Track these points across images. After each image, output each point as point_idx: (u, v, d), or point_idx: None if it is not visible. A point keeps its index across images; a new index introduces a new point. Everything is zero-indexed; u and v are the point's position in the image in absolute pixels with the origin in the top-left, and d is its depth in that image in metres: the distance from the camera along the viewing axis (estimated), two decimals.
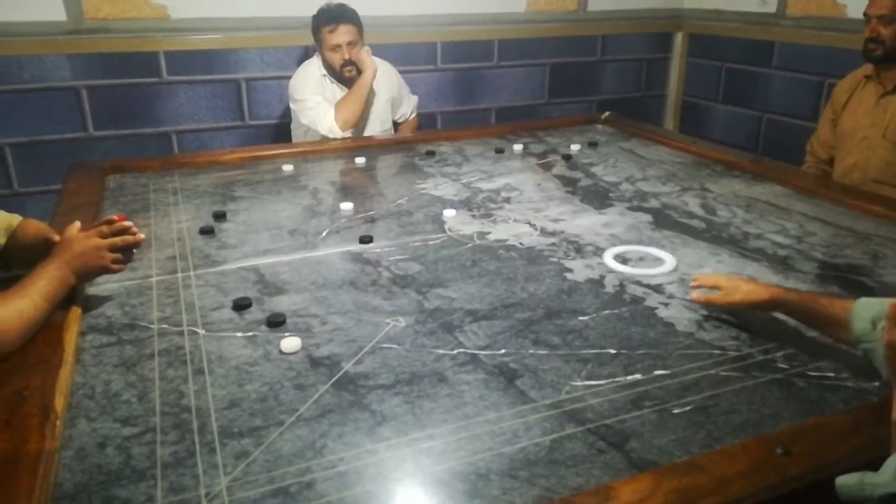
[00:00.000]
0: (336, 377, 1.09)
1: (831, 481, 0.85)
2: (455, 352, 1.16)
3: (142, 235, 1.34)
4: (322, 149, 2.43)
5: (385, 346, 1.18)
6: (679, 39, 3.69)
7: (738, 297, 1.19)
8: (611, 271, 1.46)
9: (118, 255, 1.29)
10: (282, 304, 1.33)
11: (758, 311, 1.21)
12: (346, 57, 2.53)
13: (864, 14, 2.15)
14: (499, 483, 0.86)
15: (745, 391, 1.04)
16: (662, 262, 1.49)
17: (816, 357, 1.13)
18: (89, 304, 1.33)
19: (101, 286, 1.40)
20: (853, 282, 1.41)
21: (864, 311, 1.01)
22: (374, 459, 0.90)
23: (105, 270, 1.30)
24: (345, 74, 2.56)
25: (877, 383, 1.05)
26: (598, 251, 1.56)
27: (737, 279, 1.24)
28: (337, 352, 1.16)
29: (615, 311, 1.30)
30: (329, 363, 1.13)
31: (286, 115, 2.88)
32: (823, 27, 2.92)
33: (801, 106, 3.03)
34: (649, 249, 1.56)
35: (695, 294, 1.28)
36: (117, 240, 1.29)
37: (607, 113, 2.85)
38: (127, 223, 1.32)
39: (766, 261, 1.50)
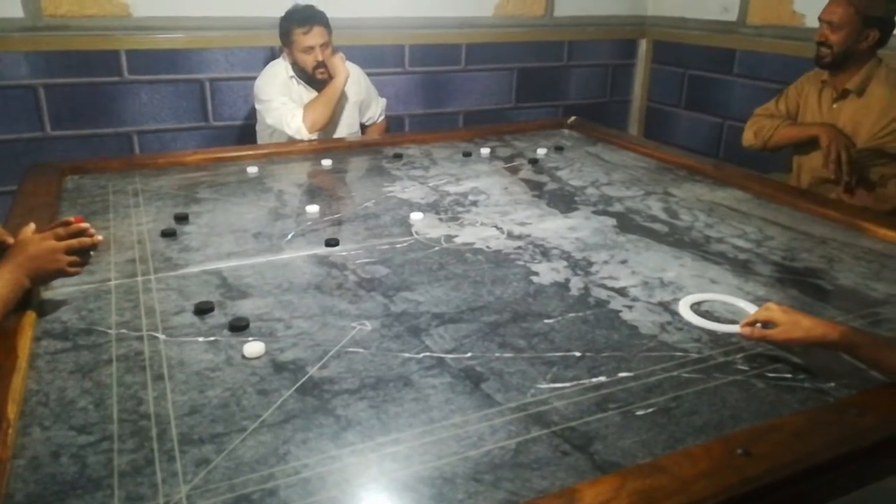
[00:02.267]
0: (300, 382, 1.07)
1: (790, 480, 0.87)
2: (421, 355, 1.16)
3: (99, 237, 1.30)
4: (288, 150, 2.41)
5: (351, 350, 1.17)
6: (643, 46, 3.75)
7: (800, 334, 1.09)
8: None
9: (75, 258, 1.26)
10: (245, 308, 1.31)
11: (818, 349, 1.12)
12: (320, 59, 2.51)
13: (818, 18, 2.16)
14: (464, 487, 0.85)
15: (706, 393, 1.06)
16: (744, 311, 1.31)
17: (774, 359, 1.15)
18: (44, 308, 1.29)
19: (57, 290, 1.36)
20: (810, 285, 1.44)
21: None
22: (339, 465, 0.89)
23: (61, 273, 1.26)
24: (317, 76, 2.54)
25: (833, 384, 1.08)
26: (564, 254, 1.58)
27: (795, 313, 1.12)
28: (301, 356, 1.15)
29: (580, 314, 1.31)
30: (293, 368, 1.11)
31: (251, 116, 2.84)
32: (783, 36, 3.00)
33: None
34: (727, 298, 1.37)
35: (746, 331, 1.15)
36: (74, 242, 1.25)
37: (573, 118, 2.88)
38: (84, 225, 1.28)
39: (728, 264, 1.53)
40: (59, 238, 1.25)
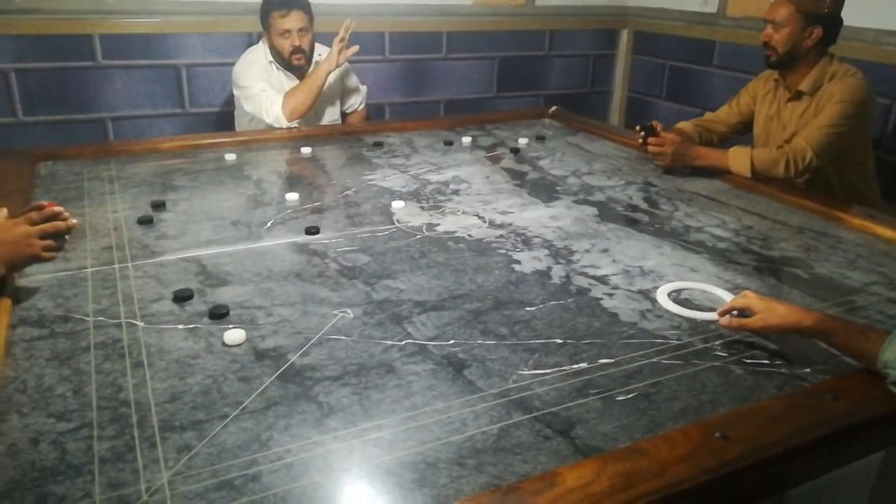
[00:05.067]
0: (282, 369, 1.07)
1: (767, 463, 0.89)
2: (403, 343, 1.16)
3: (73, 221, 1.28)
4: (266, 138, 2.39)
5: (332, 337, 1.17)
6: (624, 37, 3.76)
7: (776, 321, 1.11)
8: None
9: (49, 242, 1.24)
10: (225, 295, 1.30)
11: (794, 336, 1.13)
12: (297, 44, 2.48)
13: (763, 19, 2.13)
14: (447, 471, 0.86)
15: (685, 378, 1.07)
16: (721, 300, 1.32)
17: (752, 346, 1.17)
18: (20, 295, 1.26)
19: (32, 277, 1.33)
20: (787, 273, 1.46)
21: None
22: (322, 451, 0.89)
23: (36, 259, 1.24)
24: (293, 62, 2.51)
25: (808, 369, 1.10)
26: (546, 243, 1.58)
27: (770, 301, 1.14)
28: (283, 344, 1.14)
29: (561, 301, 1.31)
30: (275, 355, 1.11)
31: (229, 102, 2.81)
32: (761, 28, 3.01)
33: None
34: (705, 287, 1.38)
35: (724, 320, 1.18)
36: (47, 226, 1.23)
37: (554, 107, 2.88)
38: (57, 208, 1.26)
39: (707, 253, 1.55)
40: (33, 223, 1.22)
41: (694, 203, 1.87)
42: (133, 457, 0.87)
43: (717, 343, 1.18)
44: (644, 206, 1.85)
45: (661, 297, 1.32)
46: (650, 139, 2.09)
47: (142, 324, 1.19)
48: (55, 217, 1.25)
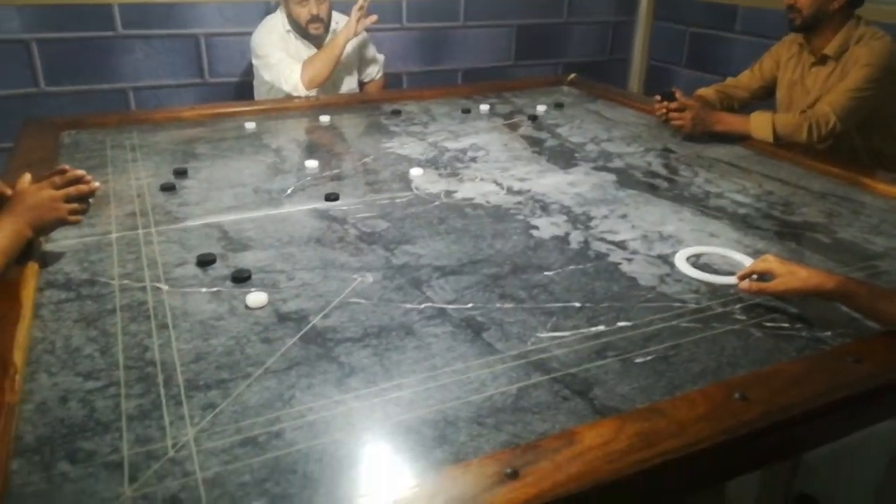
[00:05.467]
0: (303, 331, 1.08)
1: (786, 424, 0.89)
2: (422, 306, 1.17)
3: (96, 184, 1.29)
4: (285, 107, 2.39)
5: (352, 300, 1.18)
6: (644, 2, 3.69)
7: (797, 284, 1.09)
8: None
9: (74, 206, 1.25)
10: (247, 260, 1.31)
11: (815, 300, 1.12)
12: (314, 12, 2.46)
13: None
14: (467, 429, 0.87)
15: (704, 341, 1.07)
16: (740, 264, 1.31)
17: (772, 310, 1.16)
18: (46, 259, 1.29)
19: (59, 242, 1.36)
20: (809, 238, 1.45)
21: None
22: (343, 409, 0.91)
23: (62, 222, 1.26)
24: (311, 31, 2.50)
25: (829, 333, 1.09)
26: (564, 209, 1.58)
27: (791, 264, 1.12)
28: (304, 307, 1.16)
29: (580, 266, 1.31)
30: (296, 318, 1.12)
31: (248, 72, 2.81)
32: None
33: None
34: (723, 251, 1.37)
35: (744, 284, 1.16)
36: (71, 189, 1.24)
37: (573, 74, 2.85)
38: (80, 172, 1.27)
39: (727, 219, 1.54)
40: (57, 187, 1.24)
41: (714, 169, 1.85)
42: (159, 414, 0.89)
43: (736, 307, 1.17)
44: (664, 172, 1.83)
45: (680, 262, 1.32)
46: (669, 105, 2.06)
47: (166, 287, 1.21)
48: (78, 181, 1.26)
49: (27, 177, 1.27)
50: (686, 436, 0.84)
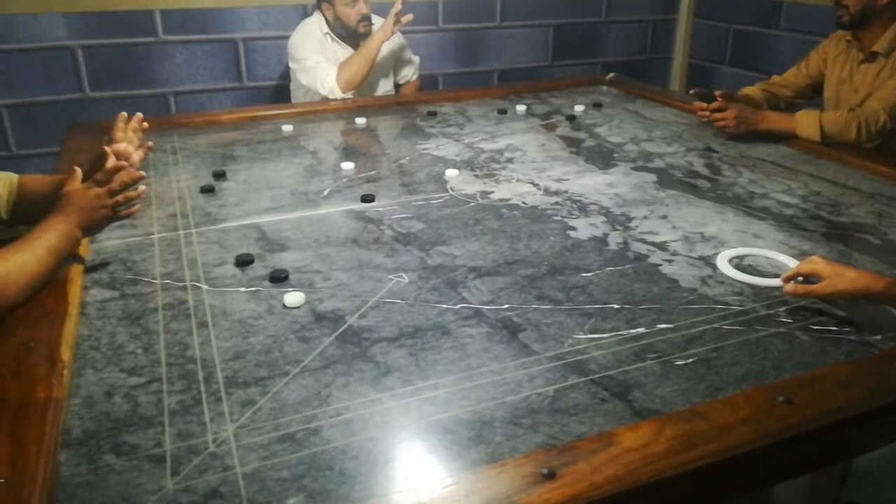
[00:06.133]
0: (340, 330, 1.09)
1: (832, 429, 0.86)
2: (458, 307, 1.16)
3: (140, 172, 1.30)
4: (322, 109, 2.41)
5: (388, 301, 1.18)
6: (685, 0, 3.63)
7: (844, 286, 1.06)
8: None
9: (119, 199, 1.26)
10: (284, 260, 1.33)
11: (863, 303, 1.09)
12: (364, 11, 2.48)
13: None
14: (503, 430, 0.86)
15: (747, 344, 1.05)
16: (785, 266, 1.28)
17: (819, 312, 1.13)
18: (91, 260, 1.32)
19: (103, 243, 1.39)
20: (858, 240, 1.40)
21: None
22: (380, 408, 0.91)
23: (110, 219, 1.27)
24: (360, 30, 2.51)
25: (879, 336, 1.05)
26: (603, 210, 1.56)
27: (838, 265, 1.10)
28: (341, 306, 1.16)
29: (619, 267, 1.30)
30: (333, 317, 1.13)
31: (285, 75, 2.84)
32: None
33: None
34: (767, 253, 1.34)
35: (789, 286, 1.13)
36: (113, 184, 1.25)
37: (612, 74, 2.81)
38: (121, 162, 1.29)
39: (772, 219, 1.50)
40: (100, 184, 1.26)
41: (758, 169, 1.81)
42: (200, 410, 0.91)
43: (781, 309, 1.14)
44: (706, 172, 1.80)
45: (722, 264, 1.29)
46: (711, 105, 2.02)
47: (206, 286, 1.23)
48: (118, 171, 1.26)
49: (78, 175, 1.29)
50: (727, 439, 0.82)
